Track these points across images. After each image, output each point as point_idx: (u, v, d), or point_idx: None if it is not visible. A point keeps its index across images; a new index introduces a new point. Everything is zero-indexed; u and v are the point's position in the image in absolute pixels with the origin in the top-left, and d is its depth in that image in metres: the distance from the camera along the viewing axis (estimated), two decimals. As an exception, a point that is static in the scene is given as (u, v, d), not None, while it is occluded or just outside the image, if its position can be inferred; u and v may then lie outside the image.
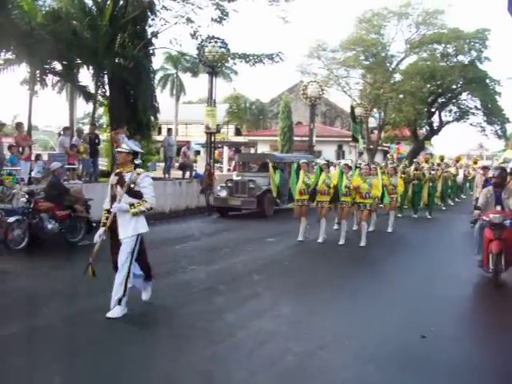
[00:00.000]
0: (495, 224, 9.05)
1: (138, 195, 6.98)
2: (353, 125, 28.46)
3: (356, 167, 15.92)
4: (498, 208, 9.34)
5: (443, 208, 22.33)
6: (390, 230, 15.66)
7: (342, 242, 13.03)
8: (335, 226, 14.96)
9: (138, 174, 7.06)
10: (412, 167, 20.58)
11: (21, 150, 15.08)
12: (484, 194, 9.71)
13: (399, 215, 18.42)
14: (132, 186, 6.97)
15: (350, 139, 40.86)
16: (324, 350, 6.01)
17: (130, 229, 6.95)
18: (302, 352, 5.90)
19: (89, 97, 20.48)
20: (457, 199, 26.85)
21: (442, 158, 29.25)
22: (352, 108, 29.98)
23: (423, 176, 19.57)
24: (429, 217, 19.07)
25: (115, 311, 6.86)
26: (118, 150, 7.33)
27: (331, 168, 14.56)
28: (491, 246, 9.07)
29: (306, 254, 12.29)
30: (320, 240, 13.14)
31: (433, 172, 20.45)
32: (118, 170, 7.27)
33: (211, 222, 17.26)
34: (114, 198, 7.03)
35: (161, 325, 6.80)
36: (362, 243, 12.90)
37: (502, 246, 8.99)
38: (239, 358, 5.80)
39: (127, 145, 7.41)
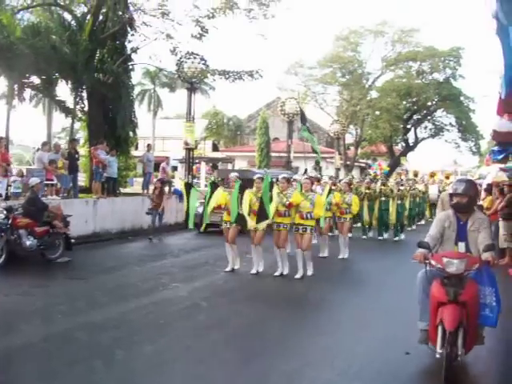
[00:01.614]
0: (451, 276, 5.60)
1: None
2: (305, 134, 27.64)
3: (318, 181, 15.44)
4: (461, 247, 6.03)
5: (410, 229, 20.15)
6: (341, 255, 13.69)
7: (277, 273, 11.14)
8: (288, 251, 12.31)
9: None
10: (378, 183, 18.63)
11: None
12: (440, 220, 6.23)
13: (364, 237, 17.64)
14: None
15: (327, 155, 41.35)
16: (310, 368, 6.01)
17: None
18: (289, 370, 5.89)
19: (67, 112, 20.36)
20: (430, 219, 23.27)
21: (415, 174, 29.09)
22: (301, 110, 29.08)
23: (391, 192, 17.61)
24: (396, 238, 17.50)
25: None
26: None
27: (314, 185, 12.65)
28: (443, 313, 5.53)
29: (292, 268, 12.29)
30: (253, 271, 11.30)
31: (401, 188, 18.60)
32: None
33: (190, 238, 17.20)
34: None
35: (145, 342, 6.74)
36: (297, 275, 10.86)
37: (461, 316, 5.47)
38: (225, 376, 5.77)
39: None
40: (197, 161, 38.39)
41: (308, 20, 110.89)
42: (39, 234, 11.81)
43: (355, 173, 42.35)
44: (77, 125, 24.50)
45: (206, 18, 22.18)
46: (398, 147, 48.13)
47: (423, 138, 45.10)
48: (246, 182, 11.96)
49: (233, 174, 11.79)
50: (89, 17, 21.04)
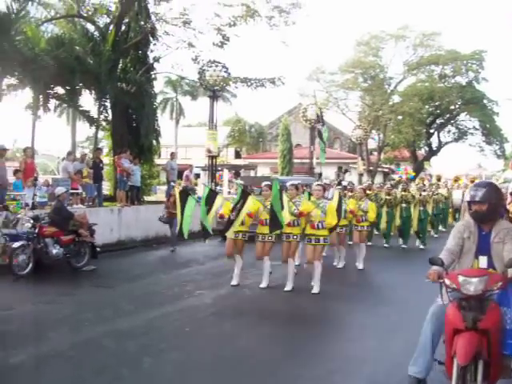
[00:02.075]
0: (470, 298, 4.64)
1: None
2: (326, 134, 27.27)
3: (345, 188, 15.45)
4: (482, 261, 5.05)
5: (435, 235, 19.51)
6: (360, 266, 13.03)
7: (289, 287, 10.29)
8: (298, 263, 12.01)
9: None
10: (399, 188, 18.25)
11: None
12: (458, 230, 5.23)
13: (385, 245, 16.92)
14: None
15: (350, 160, 41.24)
16: (335, 375, 5.99)
17: None
18: (314, 377, 5.88)
19: (92, 121, 20.58)
20: (454, 223, 20.74)
21: (438, 178, 28.21)
22: (320, 112, 28.59)
23: (412, 198, 16.82)
24: (421, 247, 16.75)
25: None
26: None
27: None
28: (457, 344, 4.58)
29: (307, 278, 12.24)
30: (263, 285, 10.54)
31: (424, 193, 17.81)
32: None
33: (215, 245, 17.22)
34: None
35: (171, 350, 6.77)
36: (315, 289, 10.09)
37: (479, 346, 4.53)
38: (251, 384, 5.79)
39: None
40: (219, 168, 38.56)
41: (328, 26, 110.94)
42: (65, 243, 11.95)
43: (378, 178, 42.13)
44: (100, 134, 24.76)
45: (227, 26, 22.36)
46: (421, 152, 47.80)
47: (447, 142, 44.78)
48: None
49: (265, 183, 10.96)
50: (111, 27, 21.31)
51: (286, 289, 10.21)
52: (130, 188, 17.78)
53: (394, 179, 30.70)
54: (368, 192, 16.28)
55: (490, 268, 4.93)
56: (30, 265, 11.27)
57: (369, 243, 15.61)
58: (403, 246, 16.96)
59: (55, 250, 11.73)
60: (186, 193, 11.30)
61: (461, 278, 4.64)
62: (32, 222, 11.64)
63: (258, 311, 8.87)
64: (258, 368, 6.23)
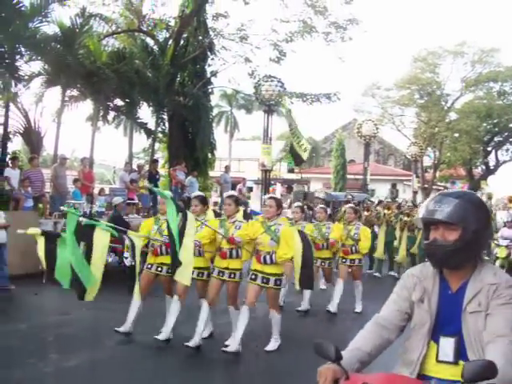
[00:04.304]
0: None
1: None
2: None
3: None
4: (444, 349, 2.64)
5: None
6: (357, 309, 10.10)
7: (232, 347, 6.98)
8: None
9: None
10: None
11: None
12: (404, 286, 2.89)
13: (395, 274, 14.31)
14: None
15: (404, 178, 40.72)
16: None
17: None
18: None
19: (149, 133, 21.04)
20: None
21: (489, 197, 26.57)
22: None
23: None
24: None
25: None
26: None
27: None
28: None
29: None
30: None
31: None
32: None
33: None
34: None
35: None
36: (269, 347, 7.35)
37: None
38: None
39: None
40: (272, 182, 38.72)
41: (385, 41, 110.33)
42: (121, 252, 12.18)
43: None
44: (156, 145, 25.27)
45: (283, 42, 22.59)
46: (478, 170, 46.85)
47: (505, 161, 43.76)
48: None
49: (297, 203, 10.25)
50: (170, 42, 21.80)
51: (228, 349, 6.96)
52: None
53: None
54: (386, 212, 14.72)
55: (459, 360, 2.60)
56: (87, 272, 11.52)
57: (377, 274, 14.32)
58: None
59: (111, 259, 11.97)
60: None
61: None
62: (89, 230, 11.91)
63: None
64: None
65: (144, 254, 7.79)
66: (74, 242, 5.94)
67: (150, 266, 7.68)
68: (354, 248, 10.00)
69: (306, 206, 11.76)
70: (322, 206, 10.67)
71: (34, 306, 9.92)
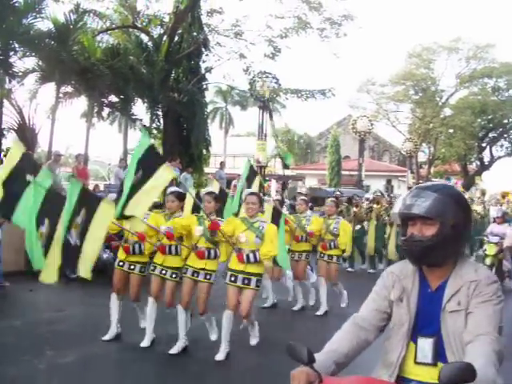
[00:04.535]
0: None
1: None
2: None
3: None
4: (423, 349, 2.55)
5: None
6: (343, 304, 9.79)
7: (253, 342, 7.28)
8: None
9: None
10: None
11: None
12: (383, 285, 2.80)
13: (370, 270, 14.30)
14: None
15: (399, 173, 40.80)
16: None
17: None
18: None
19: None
20: None
21: (483, 192, 26.10)
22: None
23: None
24: None
25: None
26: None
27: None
28: None
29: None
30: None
31: None
32: None
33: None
34: None
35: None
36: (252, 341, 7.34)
37: None
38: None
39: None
40: (267, 178, 38.72)
41: (380, 37, 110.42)
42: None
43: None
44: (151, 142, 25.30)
45: (278, 38, 22.57)
46: (473, 166, 47.00)
47: (499, 157, 43.94)
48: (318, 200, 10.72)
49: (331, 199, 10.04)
50: (165, 38, 21.72)
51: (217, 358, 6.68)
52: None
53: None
54: (375, 206, 14.63)
55: (437, 362, 2.54)
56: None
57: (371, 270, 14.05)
58: None
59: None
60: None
61: None
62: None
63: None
64: None
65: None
66: (35, 216, 5.52)
67: (121, 263, 7.36)
68: (332, 243, 9.59)
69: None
70: (303, 197, 10.42)
71: (28, 302, 9.92)
